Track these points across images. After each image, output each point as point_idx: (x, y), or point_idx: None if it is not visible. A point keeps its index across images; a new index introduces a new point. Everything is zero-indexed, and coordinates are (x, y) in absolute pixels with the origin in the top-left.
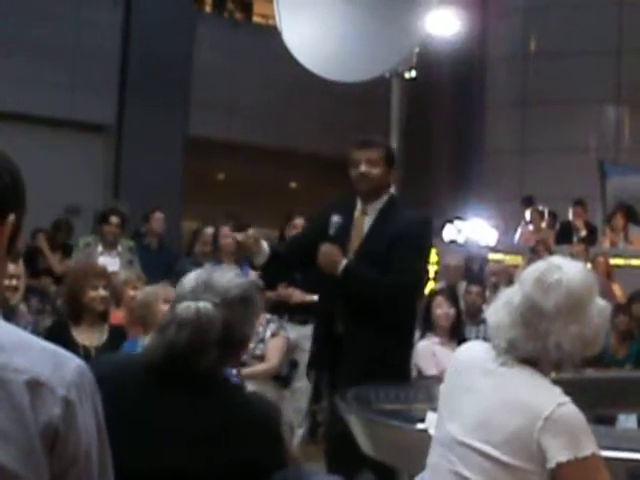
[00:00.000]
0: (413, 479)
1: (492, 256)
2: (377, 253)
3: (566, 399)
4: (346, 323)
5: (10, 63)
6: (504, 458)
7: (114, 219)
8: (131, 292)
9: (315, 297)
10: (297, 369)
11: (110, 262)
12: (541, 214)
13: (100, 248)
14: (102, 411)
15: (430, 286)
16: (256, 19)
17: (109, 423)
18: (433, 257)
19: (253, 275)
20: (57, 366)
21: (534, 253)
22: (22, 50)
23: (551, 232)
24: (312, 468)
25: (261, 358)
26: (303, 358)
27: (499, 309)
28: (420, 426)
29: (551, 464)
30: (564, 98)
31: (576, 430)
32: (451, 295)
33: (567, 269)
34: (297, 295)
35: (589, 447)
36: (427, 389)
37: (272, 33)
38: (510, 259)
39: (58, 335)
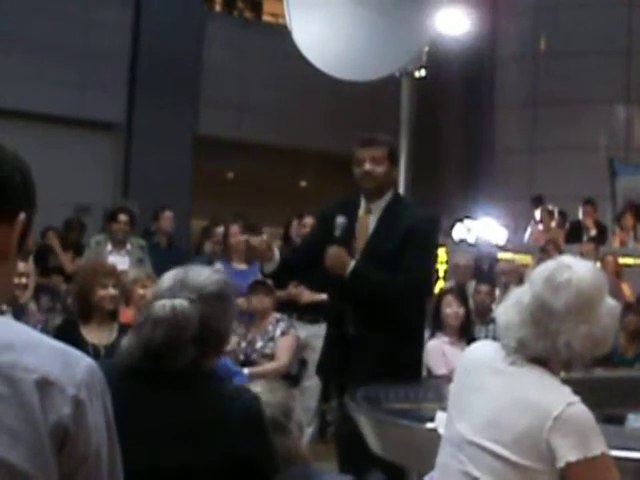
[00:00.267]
0: (422, 478)
1: (502, 255)
2: (383, 252)
3: (575, 399)
4: (356, 324)
5: (20, 62)
6: (513, 457)
7: (122, 217)
8: (140, 291)
9: (324, 296)
10: (306, 368)
11: (119, 260)
12: (551, 213)
13: (109, 247)
14: (112, 410)
15: (439, 285)
16: (266, 18)
17: None
18: (442, 256)
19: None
20: (67, 365)
21: (544, 252)
22: (32, 49)
23: (561, 231)
24: (321, 467)
25: (271, 357)
26: (313, 357)
27: (509, 308)
28: (429, 425)
29: (560, 464)
30: (574, 97)
31: (586, 430)
32: (460, 294)
33: (577, 268)
34: (307, 295)
35: (599, 447)
36: (437, 388)
37: (282, 32)
38: (520, 258)
39: (67, 334)
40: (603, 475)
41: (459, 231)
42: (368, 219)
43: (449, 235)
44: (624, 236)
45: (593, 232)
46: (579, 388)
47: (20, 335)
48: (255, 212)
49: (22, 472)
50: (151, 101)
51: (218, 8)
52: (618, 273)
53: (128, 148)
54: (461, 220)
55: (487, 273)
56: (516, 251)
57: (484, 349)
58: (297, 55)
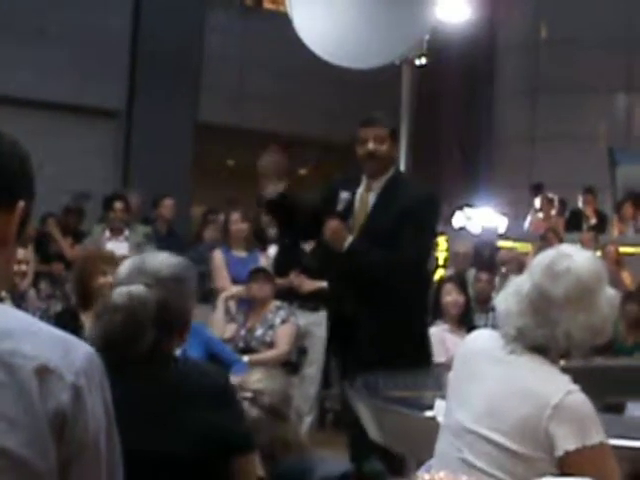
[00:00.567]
0: (421, 466)
1: (502, 243)
2: (381, 229)
3: (575, 387)
4: (355, 304)
5: (20, 49)
6: (512, 446)
7: (118, 205)
8: None
9: (325, 284)
10: (306, 356)
11: (118, 246)
12: (551, 201)
13: (107, 234)
14: (110, 398)
15: (440, 273)
16: (267, 5)
17: None
18: (443, 244)
19: (264, 262)
20: (66, 352)
21: (544, 241)
22: (32, 36)
23: (561, 219)
24: (320, 454)
25: (270, 345)
26: (313, 345)
27: (508, 297)
28: (429, 414)
29: (559, 452)
30: (575, 86)
31: (584, 418)
32: (460, 282)
33: (576, 257)
34: (308, 284)
35: (597, 435)
36: (436, 376)
37: (283, 20)
38: (520, 246)
39: (67, 321)
40: (602, 464)
41: (459, 219)
42: (368, 197)
43: (449, 223)
44: (624, 225)
45: (593, 221)
46: (578, 377)
47: (19, 322)
48: (254, 200)
49: (20, 459)
50: (151, 89)
51: None
52: (619, 262)
53: (128, 135)
54: (461, 208)
55: (487, 261)
56: (516, 239)
57: (483, 338)
58: (298, 43)
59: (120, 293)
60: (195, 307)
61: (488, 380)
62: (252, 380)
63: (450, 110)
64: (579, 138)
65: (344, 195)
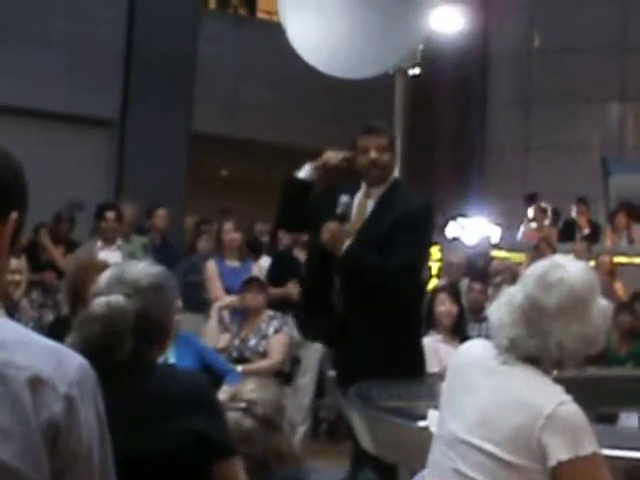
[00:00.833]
0: (414, 477)
1: (495, 253)
2: (376, 235)
3: (567, 398)
4: (345, 304)
5: (13, 57)
6: (505, 456)
7: (110, 214)
8: None
9: None
10: (300, 366)
11: (110, 256)
12: (544, 211)
13: (99, 243)
14: (103, 408)
15: (433, 283)
16: (260, 15)
17: None
18: (436, 254)
19: (257, 271)
20: (59, 363)
21: (537, 250)
22: (26, 45)
23: (554, 230)
24: (314, 465)
25: (264, 355)
26: (307, 355)
27: (501, 307)
28: (422, 424)
29: (552, 462)
30: (568, 95)
31: (577, 429)
32: (453, 292)
33: (569, 268)
34: None
35: (590, 446)
36: (430, 386)
37: (276, 29)
38: (513, 256)
39: (60, 331)
40: (594, 474)
41: (452, 229)
42: (366, 203)
43: (442, 233)
44: (617, 235)
45: (586, 231)
46: (572, 387)
47: (12, 333)
48: (248, 209)
49: (13, 469)
50: (145, 98)
51: (212, 5)
52: (612, 272)
53: (122, 145)
54: (454, 218)
55: (481, 271)
56: (509, 249)
57: (476, 348)
58: (291, 52)
59: (99, 303)
60: (188, 317)
61: (481, 390)
62: (245, 390)
63: (444, 120)
64: (572, 148)
65: (344, 199)
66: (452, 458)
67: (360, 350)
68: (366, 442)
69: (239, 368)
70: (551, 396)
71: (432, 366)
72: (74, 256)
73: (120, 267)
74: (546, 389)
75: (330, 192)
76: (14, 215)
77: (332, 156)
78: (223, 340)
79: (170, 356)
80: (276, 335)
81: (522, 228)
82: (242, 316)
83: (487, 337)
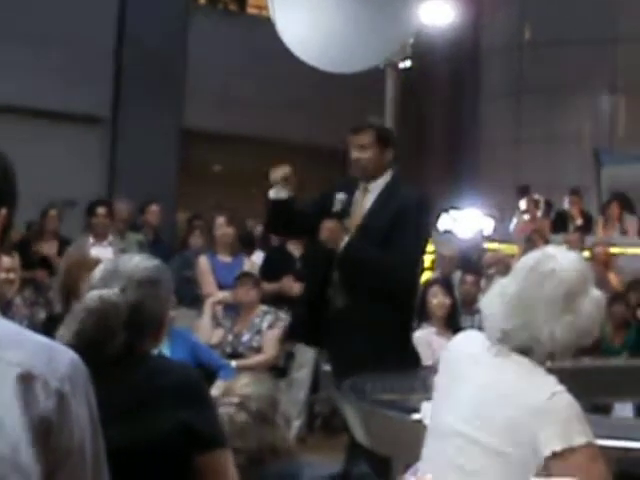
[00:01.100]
0: (408, 469)
1: (487, 246)
2: (375, 229)
3: (561, 388)
4: (344, 296)
5: (3, 55)
6: (500, 447)
7: (101, 210)
8: None
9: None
10: (294, 360)
11: (102, 252)
12: (536, 203)
13: (91, 239)
14: (95, 403)
15: (426, 276)
16: (250, 10)
17: None
18: (429, 247)
19: (249, 266)
20: (51, 359)
21: (530, 242)
22: (16, 41)
23: (546, 221)
24: (309, 459)
25: (258, 350)
26: (301, 350)
27: (493, 299)
28: (416, 416)
29: (546, 453)
30: (559, 87)
31: (571, 419)
32: (446, 285)
33: (561, 259)
34: (297, 287)
35: (584, 436)
36: (423, 379)
37: (266, 24)
38: (506, 248)
39: (53, 329)
40: (588, 464)
41: (445, 222)
42: (365, 198)
43: (435, 226)
44: (609, 226)
45: (579, 222)
46: (565, 378)
47: (3, 330)
48: (242, 204)
49: (6, 465)
50: (136, 94)
51: (202, 0)
52: (607, 263)
53: (113, 142)
54: (446, 211)
55: (473, 263)
56: (502, 241)
57: (469, 340)
58: (281, 47)
59: (92, 297)
60: (181, 312)
61: (474, 382)
62: (239, 385)
63: (435, 113)
64: (564, 139)
65: (340, 196)
66: (446, 450)
67: (354, 343)
68: (360, 435)
69: (233, 363)
70: (545, 387)
71: (425, 359)
72: (66, 253)
73: (115, 261)
74: (539, 380)
75: (325, 194)
76: (3, 212)
77: (275, 174)
78: (216, 336)
79: (164, 351)
80: (270, 330)
81: (514, 220)
82: (235, 311)
83: (480, 329)
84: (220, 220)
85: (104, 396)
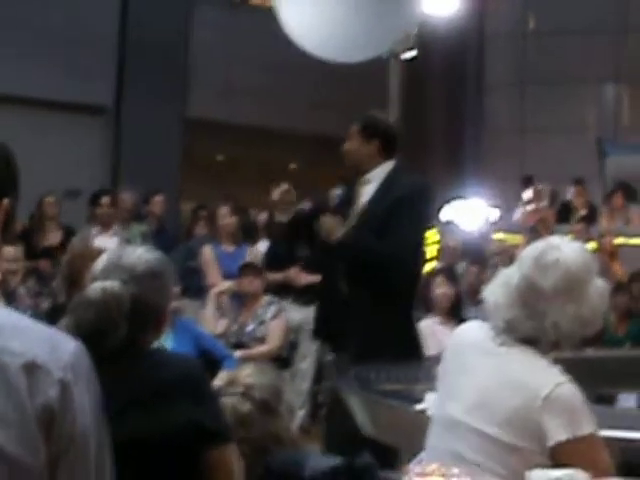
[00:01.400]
0: (413, 459)
1: (492, 236)
2: (375, 217)
3: (565, 378)
4: (349, 285)
5: (5, 45)
6: (503, 438)
7: (105, 200)
8: None
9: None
10: (297, 350)
11: (107, 242)
12: (541, 193)
13: (95, 230)
14: (98, 392)
15: (431, 266)
16: (253, 0)
17: None
18: (434, 237)
19: (251, 255)
20: (54, 348)
21: (534, 232)
22: (19, 32)
23: (551, 211)
24: (312, 449)
25: (262, 340)
26: (306, 339)
27: (497, 289)
28: (420, 406)
29: (550, 443)
30: (563, 77)
31: (575, 409)
32: (450, 275)
33: (565, 249)
34: (303, 277)
35: (588, 426)
36: (427, 369)
37: (270, 14)
38: (510, 239)
39: (57, 319)
40: (592, 454)
41: (448, 212)
42: (365, 189)
43: (438, 216)
44: (614, 216)
45: (583, 212)
46: (569, 368)
47: (6, 319)
48: (245, 194)
49: (10, 455)
50: (139, 84)
51: None
52: (613, 254)
53: (117, 132)
54: (450, 201)
55: (478, 253)
56: (507, 231)
57: (473, 330)
58: (285, 37)
59: (94, 288)
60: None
61: (478, 372)
62: (242, 375)
63: (438, 102)
64: (568, 129)
65: (337, 192)
66: (450, 440)
67: (359, 332)
68: (365, 425)
69: (237, 353)
70: (549, 377)
71: (430, 349)
72: (70, 244)
73: (117, 252)
74: (543, 370)
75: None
76: (5, 202)
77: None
78: (221, 326)
79: (168, 342)
80: (274, 320)
81: (519, 210)
82: (240, 301)
83: (484, 319)
84: (223, 210)
85: (105, 389)
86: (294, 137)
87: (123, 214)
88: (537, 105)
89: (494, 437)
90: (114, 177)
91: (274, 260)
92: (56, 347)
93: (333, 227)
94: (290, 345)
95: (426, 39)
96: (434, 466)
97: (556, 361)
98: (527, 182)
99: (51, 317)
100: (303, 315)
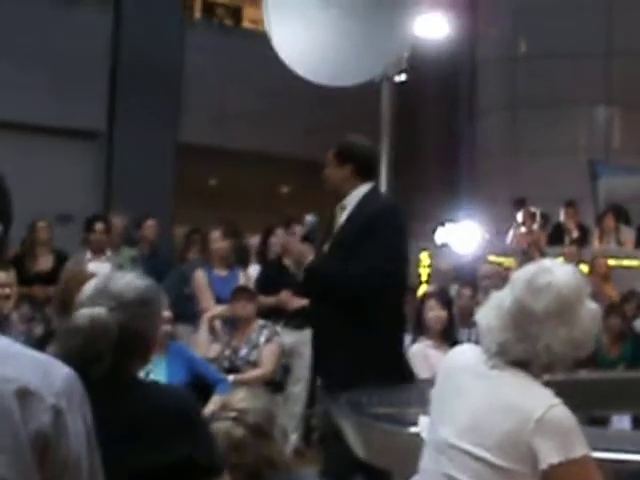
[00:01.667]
0: None
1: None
2: (345, 243)
3: (557, 401)
4: (324, 316)
5: (0, 70)
6: (496, 461)
7: (99, 226)
8: None
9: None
10: (290, 374)
11: (100, 267)
12: (533, 215)
13: (89, 255)
14: (91, 419)
15: (422, 289)
16: (246, 24)
17: None
18: (426, 260)
19: (244, 279)
20: (46, 374)
21: (526, 255)
22: (11, 56)
23: (543, 234)
24: (305, 473)
25: (255, 364)
26: (298, 363)
27: (489, 312)
28: (413, 430)
29: (543, 466)
30: (554, 100)
31: (567, 432)
32: (443, 298)
33: (557, 272)
34: (295, 301)
35: (580, 448)
36: (420, 392)
37: (263, 38)
38: (502, 261)
39: (48, 344)
40: (585, 476)
41: (441, 235)
42: (340, 215)
43: (431, 239)
44: (605, 238)
45: (575, 234)
46: (562, 390)
47: (0, 346)
48: (237, 219)
49: None
50: (132, 109)
51: (198, 15)
52: (605, 276)
53: (109, 156)
54: (443, 224)
55: (471, 276)
56: (498, 254)
57: (465, 353)
58: (278, 61)
59: (82, 315)
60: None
61: (471, 395)
62: (235, 399)
63: (431, 126)
64: (559, 152)
65: (308, 218)
66: (443, 463)
67: (334, 359)
68: (357, 449)
69: (230, 378)
70: (541, 400)
71: (422, 372)
72: (64, 268)
73: (106, 278)
74: (535, 393)
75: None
76: None
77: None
78: (214, 350)
79: (162, 367)
80: (267, 344)
81: (511, 232)
82: (233, 326)
83: (477, 342)
84: (215, 234)
85: (98, 417)
86: (287, 161)
87: (114, 239)
88: (529, 128)
89: (486, 460)
90: (107, 202)
91: (266, 284)
92: (48, 373)
93: (301, 256)
94: (283, 369)
95: (418, 63)
96: None
97: (548, 383)
98: (519, 204)
99: (44, 343)
100: (295, 339)
